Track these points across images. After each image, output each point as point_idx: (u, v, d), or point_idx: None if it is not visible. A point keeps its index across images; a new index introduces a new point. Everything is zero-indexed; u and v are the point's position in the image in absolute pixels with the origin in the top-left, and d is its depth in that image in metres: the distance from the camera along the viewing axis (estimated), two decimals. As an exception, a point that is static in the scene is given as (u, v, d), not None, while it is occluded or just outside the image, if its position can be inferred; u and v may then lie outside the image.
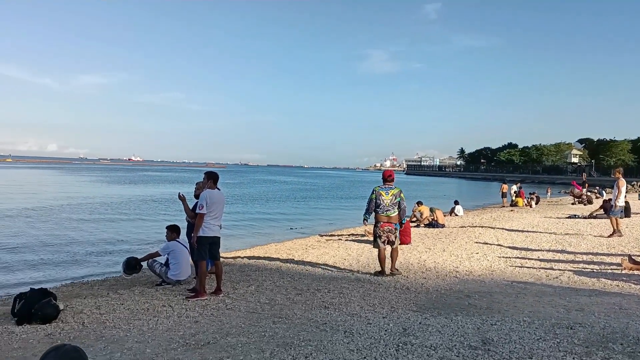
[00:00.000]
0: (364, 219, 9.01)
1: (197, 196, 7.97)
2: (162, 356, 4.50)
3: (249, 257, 10.99)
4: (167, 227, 8.48)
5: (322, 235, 15.76)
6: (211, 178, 7.41)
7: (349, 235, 15.15)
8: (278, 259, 10.58)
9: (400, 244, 11.93)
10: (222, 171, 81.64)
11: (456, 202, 22.41)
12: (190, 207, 8.04)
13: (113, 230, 16.87)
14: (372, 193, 8.65)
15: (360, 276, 8.73)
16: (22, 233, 15.36)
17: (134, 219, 20.80)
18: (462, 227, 16.63)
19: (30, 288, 6.47)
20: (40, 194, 32.53)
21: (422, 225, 16.99)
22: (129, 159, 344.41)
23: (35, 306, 6.06)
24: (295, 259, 10.52)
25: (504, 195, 28.89)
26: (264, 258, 10.83)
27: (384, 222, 8.63)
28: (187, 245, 8.23)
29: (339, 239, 14.21)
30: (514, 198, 28.18)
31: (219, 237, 7.38)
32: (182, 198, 8.02)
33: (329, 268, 9.54)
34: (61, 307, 6.33)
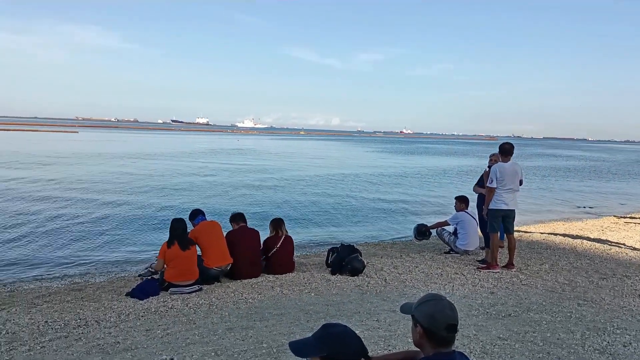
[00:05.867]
0: None
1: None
2: (466, 320, 4.66)
3: (536, 234, 10.42)
4: (456, 198, 8.63)
5: (619, 217, 13.90)
6: (502, 150, 7.29)
7: (656, 218, 12.99)
8: (570, 237, 9.77)
9: None
10: (493, 144, 78.79)
11: None
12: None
13: (404, 197, 17.91)
14: None
15: (681, 267, 7.43)
16: (327, 196, 17.54)
17: (422, 187, 21.68)
18: None
19: (341, 243, 7.42)
20: (338, 161, 36.66)
21: None
22: (400, 132, 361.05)
23: (346, 259, 6.95)
24: (592, 240, 9.54)
25: None
26: (553, 235, 10.12)
27: None
28: (476, 216, 8.26)
29: (644, 222, 12.31)
30: None
31: (513, 210, 7.18)
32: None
33: (636, 253, 8.38)
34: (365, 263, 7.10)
